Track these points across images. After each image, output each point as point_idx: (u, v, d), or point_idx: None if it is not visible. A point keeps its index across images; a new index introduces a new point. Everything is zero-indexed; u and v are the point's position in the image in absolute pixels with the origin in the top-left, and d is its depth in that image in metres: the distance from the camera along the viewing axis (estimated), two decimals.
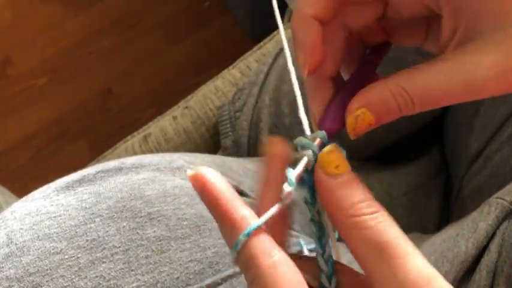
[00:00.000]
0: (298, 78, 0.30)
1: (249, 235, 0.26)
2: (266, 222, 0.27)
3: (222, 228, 0.27)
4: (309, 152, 0.28)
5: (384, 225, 0.26)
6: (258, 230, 0.26)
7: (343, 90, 0.31)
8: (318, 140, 0.28)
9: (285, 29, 0.31)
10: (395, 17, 0.32)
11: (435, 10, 0.30)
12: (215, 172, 0.27)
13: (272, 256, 0.26)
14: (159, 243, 0.41)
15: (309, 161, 0.28)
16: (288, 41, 0.31)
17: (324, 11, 0.30)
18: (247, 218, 0.26)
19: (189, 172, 0.27)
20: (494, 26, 0.27)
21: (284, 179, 0.27)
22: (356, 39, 0.34)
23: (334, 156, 0.27)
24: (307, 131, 0.29)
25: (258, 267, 0.25)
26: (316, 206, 0.29)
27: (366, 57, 0.34)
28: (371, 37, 0.34)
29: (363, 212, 0.26)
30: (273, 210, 0.27)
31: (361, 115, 0.28)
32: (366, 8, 0.31)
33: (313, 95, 0.31)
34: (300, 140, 0.28)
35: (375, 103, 0.28)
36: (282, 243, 0.28)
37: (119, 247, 0.40)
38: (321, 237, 0.29)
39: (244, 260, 0.26)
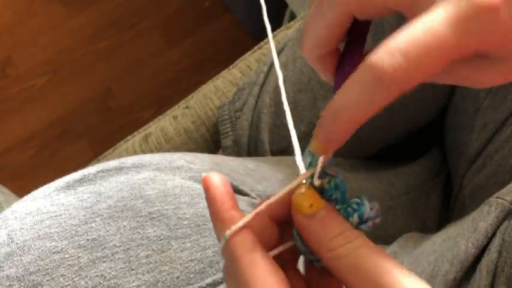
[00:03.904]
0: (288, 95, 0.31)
1: (232, 233, 0.27)
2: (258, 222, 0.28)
3: (214, 226, 0.28)
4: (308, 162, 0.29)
5: (362, 249, 0.26)
6: (242, 228, 0.27)
7: (342, 63, 0.31)
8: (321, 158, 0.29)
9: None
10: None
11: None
12: (218, 176, 0.29)
13: (252, 254, 0.26)
14: (159, 242, 0.41)
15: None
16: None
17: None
18: (236, 217, 0.27)
19: (202, 175, 0.29)
20: None
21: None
22: None
23: (307, 197, 0.28)
24: (300, 164, 0.29)
25: (238, 262, 0.26)
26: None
27: (350, 34, 0.34)
28: None
29: (339, 244, 0.26)
30: (259, 208, 0.28)
31: None
32: None
33: (324, 73, 0.32)
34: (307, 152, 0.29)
35: None
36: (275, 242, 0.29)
37: (120, 246, 0.40)
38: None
39: (227, 255, 0.27)
